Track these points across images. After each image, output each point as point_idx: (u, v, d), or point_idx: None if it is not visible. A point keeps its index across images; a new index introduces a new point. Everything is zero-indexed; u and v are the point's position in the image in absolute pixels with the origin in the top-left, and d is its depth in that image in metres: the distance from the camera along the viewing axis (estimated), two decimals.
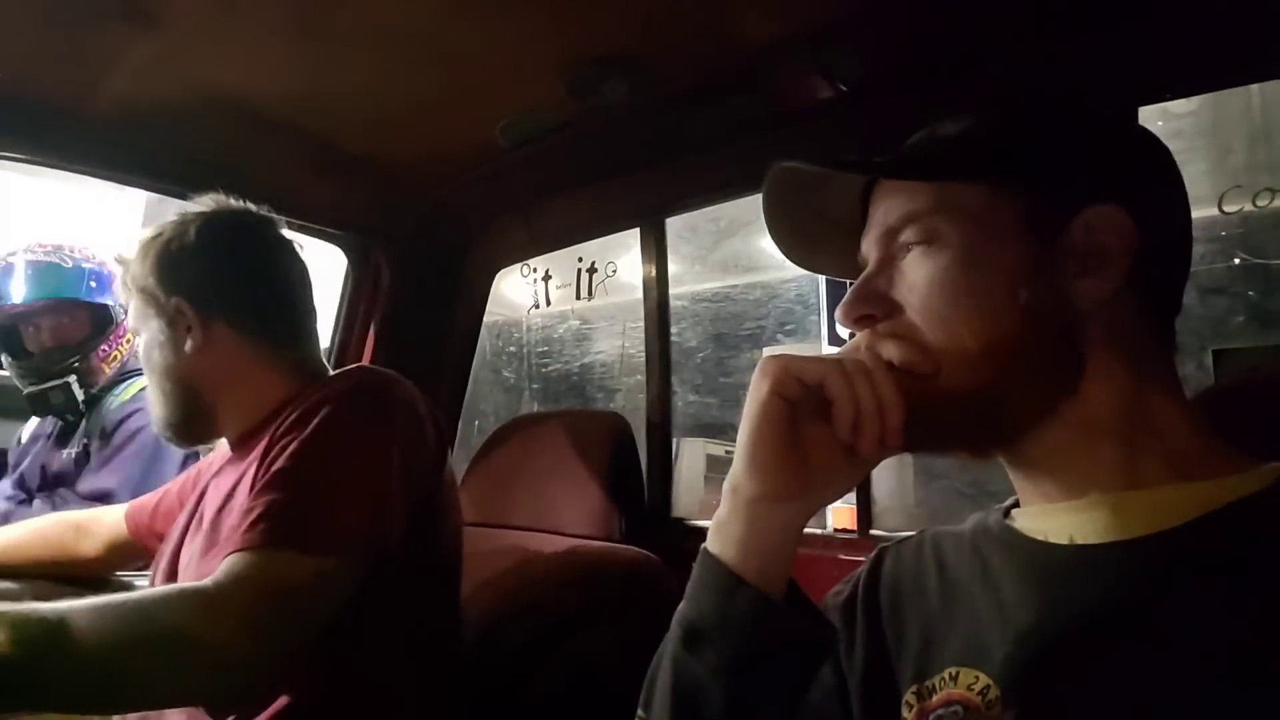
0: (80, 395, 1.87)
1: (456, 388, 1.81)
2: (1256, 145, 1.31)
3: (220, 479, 1.10)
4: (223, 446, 1.22)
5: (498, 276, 1.83)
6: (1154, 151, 0.62)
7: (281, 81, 1.24)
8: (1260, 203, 1.05)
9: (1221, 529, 0.51)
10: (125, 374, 1.95)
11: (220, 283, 1.12)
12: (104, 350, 1.90)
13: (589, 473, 1.32)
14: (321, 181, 1.55)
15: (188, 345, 1.10)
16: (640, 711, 0.61)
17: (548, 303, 1.93)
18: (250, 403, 1.11)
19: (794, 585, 0.58)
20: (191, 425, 1.15)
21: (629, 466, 1.36)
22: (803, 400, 0.56)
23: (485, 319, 1.86)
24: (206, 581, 0.86)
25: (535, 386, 3.22)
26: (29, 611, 0.75)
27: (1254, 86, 1.23)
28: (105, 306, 1.91)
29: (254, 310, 1.13)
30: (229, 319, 1.12)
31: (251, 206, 1.18)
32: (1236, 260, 1.39)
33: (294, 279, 1.19)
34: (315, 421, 0.98)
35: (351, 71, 1.21)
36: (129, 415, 1.84)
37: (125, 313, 1.93)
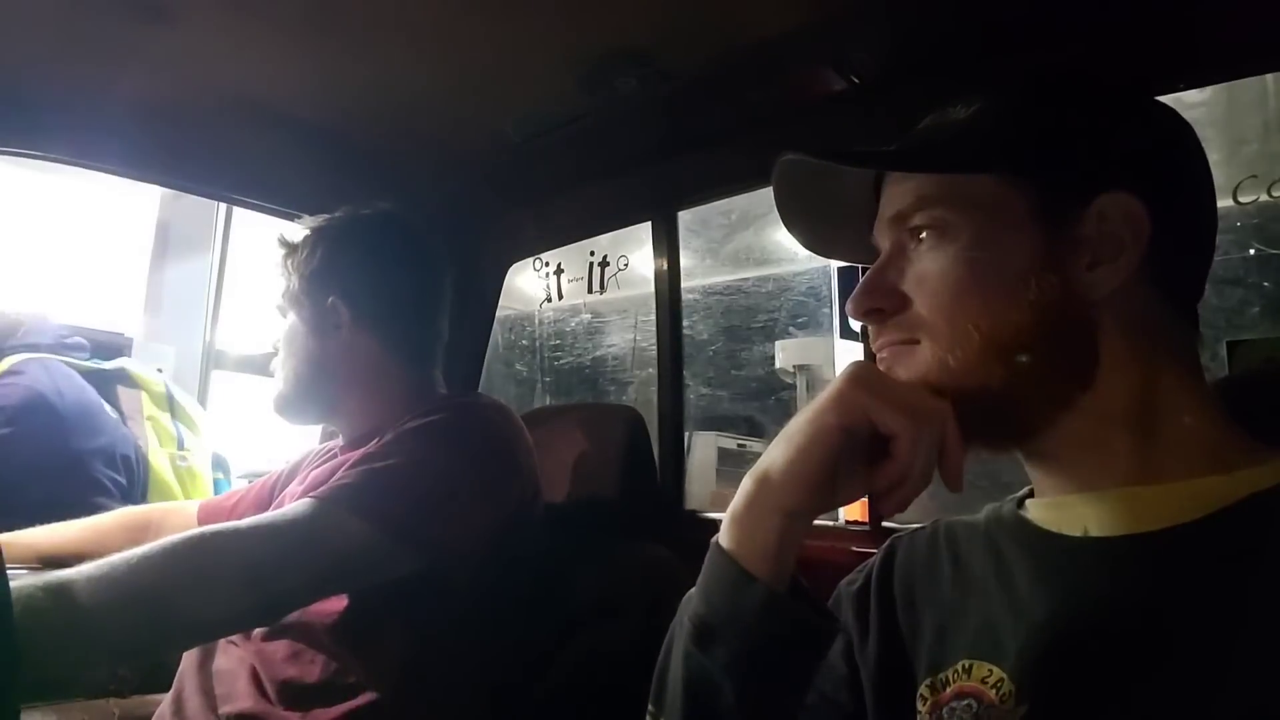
0: None
1: (470, 381, 1.82)
2: (1271, 135, 1.30)
3: (322, 468, 1.16)
4: (317, 440, 1.33)
5: (510, 271, 1.84)
6: (1173, 132, 0.61)
7: (294, 77, 1.25)
8: (1276, 193, 1.04)
9: (1238, 523, 0.51)
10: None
11: (379, 294, 1.18)
12: None
13: (602, 465, 1.32)
14: (333, 176, 1.55)
15: (333, 342, 1.17)
16: (651, 707, 0.60)
17: (560, 296, 1.93)
18: (372, 406, 1.17)
19: (796, 579, 0.58)
20: (307, 409, 1.22)
21: (642, 459, 1.36)
22: (861, 434, 0.54)
23: (498, 313, 1.86)
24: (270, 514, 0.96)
25: (548, 380, 3.22)
26: (34, 581, 0.78)
27: (1269, 76, 1.22)
28: None
29: (402, 327, 1.20)
30: (377, 329, 1.18)
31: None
32: (1252, 251, 1.38)
33: (443, 303, 1.26)
34: (416, 425, 1.05)
35: (364, 67, 1.21)
36: None
37: None
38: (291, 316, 1.21)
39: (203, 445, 1.99)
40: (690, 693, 0.56)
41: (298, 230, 1.24)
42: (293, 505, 0.96)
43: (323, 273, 1.18)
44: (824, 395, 0.54)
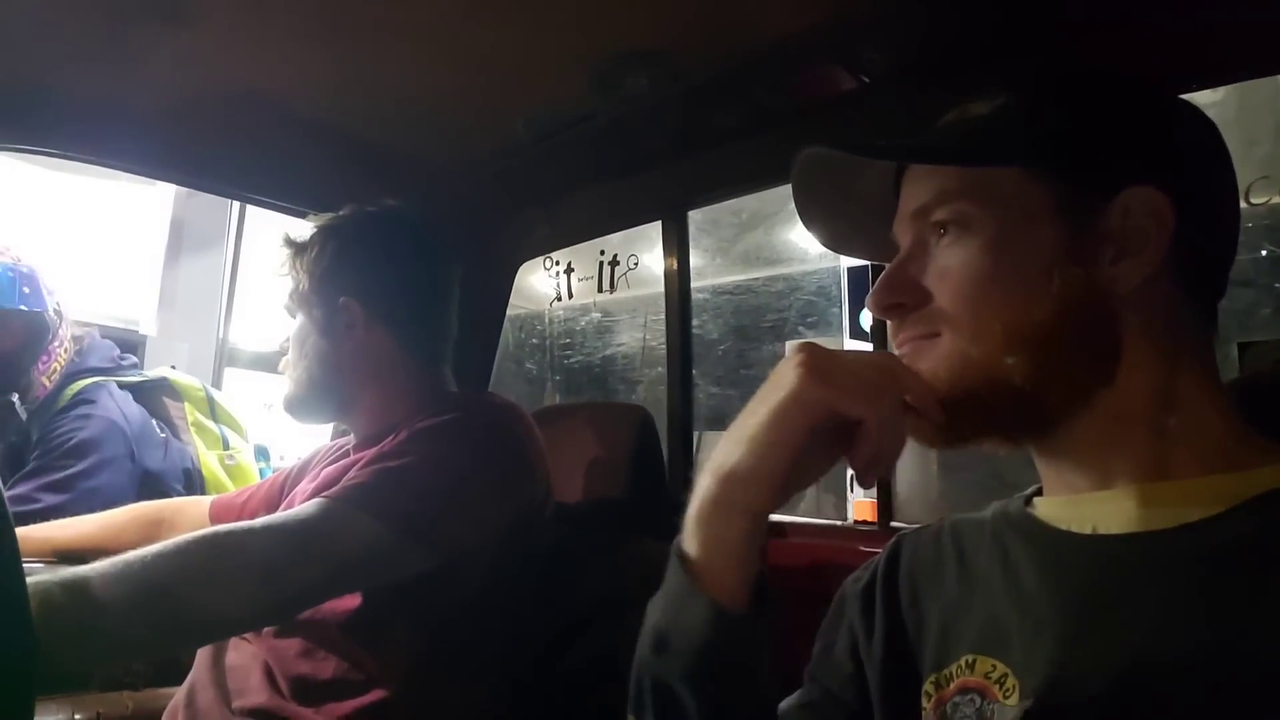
0: (24, 415, 1.71)
1: (480, 380, 1.83)
2: None
3: (334, 466, 1.17)
4: (327, 439, 1.34)
5: (520, 269, 1.84)
6: (1196, 127, 0.60)
7: (308, 77, 1.26)
8: None
9: (1248, 521, 0.51)
10: (65, 378, 1.78)
11: (391, 291, 1.18)
12: (43, 363, 1.73)
13: (612, 464, 1.33)
14: (346, 176, 1.56)
15: (347, 341, 1.16)
16: (631, 716, 0.60)
17: (570, 295, 1.94)
18: (384, 405, 1.17)
19: (762, 574, 0.56)
20: (320, 409, 1.22)
21: (651, 458, 1.36)
22: (824, 425, 0.53)
23: (508, 312, 1.87)
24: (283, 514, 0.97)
25: (557, 378, 3.23)
26: (53, 577, 0.80)
27: None
28: (39, 314, 1.73)
29: (414, 324, 1.20)
30: (390, 327, 1.18)
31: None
32: (1263, 252, 1.38)
33: (453, 300, 1.26)
34: (429, 424, 1.05)
35: (378, 66, 1.22)
36: (67, 421, 1.69)
37: (60, 319, 1.77)
38: (301, 316, 1.20)
39: (245, 442, 2.05)
40: (657, 699, 0.56)
41: (303, 229, 1.24)
42: (306, 505, 0.97)
43: (334, 271, 1.18)
44: (781, 391, 0.53)
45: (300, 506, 0.97)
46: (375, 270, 1.18)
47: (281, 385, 1.22)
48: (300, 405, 1.20)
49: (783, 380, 0.53)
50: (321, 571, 0.94)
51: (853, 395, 0.52)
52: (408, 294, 1.20)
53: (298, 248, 1.21)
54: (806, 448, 0.53)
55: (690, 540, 0.56)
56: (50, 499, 1.59)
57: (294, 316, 1.22)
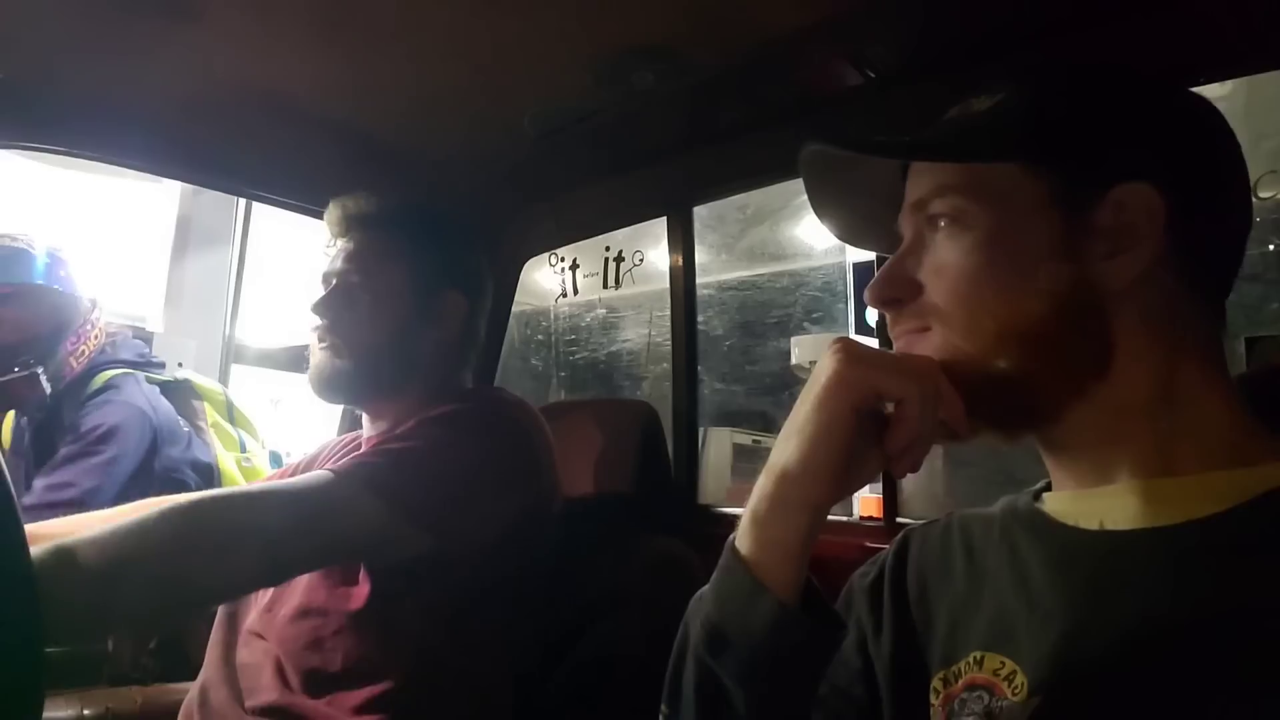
0: (49, 389, 1.76)
1: (485, 376, 1.83)
2: None
3: (347, 460, 1.16)
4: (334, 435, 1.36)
5: (526, 266, 1.84)
6: (1199, 120, 0.60)
7: (314, 73, 1.26)
8: None
9: (1256, 518, 0.51)
10: (95, 367, 1.84)
11: (482, 291, 1.25)
12: (71, 344, 1.80)
13: (617, 460, 1.33)
14: (351, 172, 1.56)
15: (433, 332, 1.19)
16: (664, 708, 0.61)
17: (575, 291, 1.93)
18: (415, 396, 1.17)
19: (809, 580, 0.57)
20: (362, 390, 1.19)
21: (656, 454, 1.37)
22: (867, 409, 0.55)
23: (513, 308, 1.87)
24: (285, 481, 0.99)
25: (563, 374, 3.23)
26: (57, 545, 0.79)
27: None
28: (73, 296, 1.81)
29: (474, 323, 1.24)
30: (466, 324, 1.22)
31: None
32: (1271, 246, 1.37)
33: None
34: (438, 413, 1.07)
35: (384, 62, 1.22)
36: (96, 408, 1.75)
37: (93, 305, 1.85)
38: (384, 294, 1.17)
39: (260, 446, 2.11)
40: (701, 695, 0.57)
41: (382, 207, 1.22)
42: (309, 475, 0.98)
43: (446, 262, 1.21)
44: (822, 381, 0.54)
45: (304, 476, 0.99)
46: (475, 271, 1.25)
47: (323, 358, 1.16)
48: (344, 381, 1.16)
49: (822, 369, 0.55)
50: (318, 541, 0.95)
51: (893, 373, 0.54)
52: (482, 296, 1.26)
53: (400, 229, 1.21)
54: (854, 436, 0.53)
55: (745, 538, 0.56)
56: (86, 483, 1.65)
57: (363, 290, 1.17)
